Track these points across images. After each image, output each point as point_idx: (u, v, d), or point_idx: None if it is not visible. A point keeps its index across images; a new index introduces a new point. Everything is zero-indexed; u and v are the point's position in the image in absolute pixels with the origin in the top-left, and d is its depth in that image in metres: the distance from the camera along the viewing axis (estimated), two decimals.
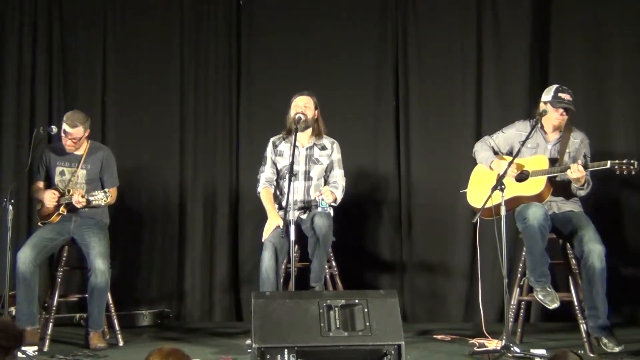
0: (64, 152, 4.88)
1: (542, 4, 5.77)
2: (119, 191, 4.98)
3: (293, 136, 4.63)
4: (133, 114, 6.14)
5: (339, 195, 4.80)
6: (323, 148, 4.88)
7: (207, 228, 6.04)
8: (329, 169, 4.87)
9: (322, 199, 4.60)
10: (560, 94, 4.53)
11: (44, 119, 5.95)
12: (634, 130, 5.55)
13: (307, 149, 4.85)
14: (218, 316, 5.97)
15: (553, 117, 4.55)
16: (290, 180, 4.41)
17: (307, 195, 4.81)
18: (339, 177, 4.86)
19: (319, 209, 4.62)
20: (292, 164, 4.50)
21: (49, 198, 4.77)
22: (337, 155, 4.89)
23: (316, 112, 4.84)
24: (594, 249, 4.26)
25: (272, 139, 4.94)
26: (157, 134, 6.12)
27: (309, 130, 4.85)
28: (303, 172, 4.81)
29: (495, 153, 4.73)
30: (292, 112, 4.79)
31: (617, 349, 4.18)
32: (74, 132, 4.77)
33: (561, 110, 4.52)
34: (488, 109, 5.79)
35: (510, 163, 4.40)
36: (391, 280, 5.85)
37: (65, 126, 4.77)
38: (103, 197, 4.63)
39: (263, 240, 4.63)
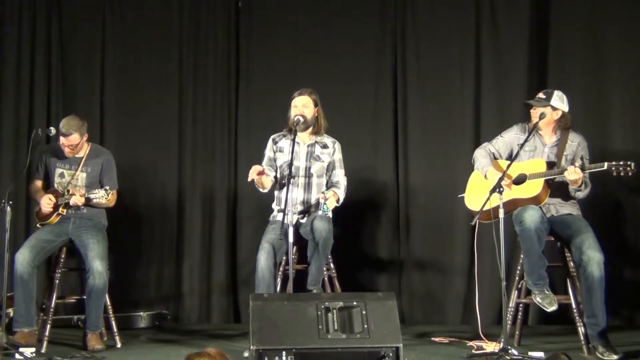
0: (63, 154, 4.87)
1: (540, 5, 5.77)
2: (118, 192, 4.97)
3: (292, 136, 4.59)
4: (131, 114, 6.14)
5: (342, 195, 4.78)
6: (325, 146, 4.86)
7: (205, 230, 6.04)
8: (330, 168, 4.86)
9: (325, 203, 4.57)
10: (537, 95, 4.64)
11: (43, 120, 5.96)
12: (632, 131, 5.56)
13: (308, 145, 4.83)
14: (216, 318, 5.97)
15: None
16: (288, 182, 4.35)
17: (307, 192, 4.79)
18: (340, 176, 4.85)
19: (320, 212, 4.59)
20: (290, 165, 4.45)
21: (45, 204, 4.78)
22: (338, 155, 4.88)
23: (316, 109, 4.81)
24: (593, 257, 4.22)
25: (272, 136, 4.91)
26: (155, 135, 6.12)
27: (310, 129, 4.83)
28: (303, 168, 4.79)
29: (496, 158, 4.72)
30: (291, 113, 4.77)
31: (614, 357, 4.16)
32: (70, 139, 4.77)
33: (531, 110, 4.61)
34: (486, 111, 5.79)
35: (503, 175, 4.34)
36: (389, 283, 5.85)
37: (61, 133, 4.76)
38: (104, 195, 4.61)
39: (249, 179, 4.59)
